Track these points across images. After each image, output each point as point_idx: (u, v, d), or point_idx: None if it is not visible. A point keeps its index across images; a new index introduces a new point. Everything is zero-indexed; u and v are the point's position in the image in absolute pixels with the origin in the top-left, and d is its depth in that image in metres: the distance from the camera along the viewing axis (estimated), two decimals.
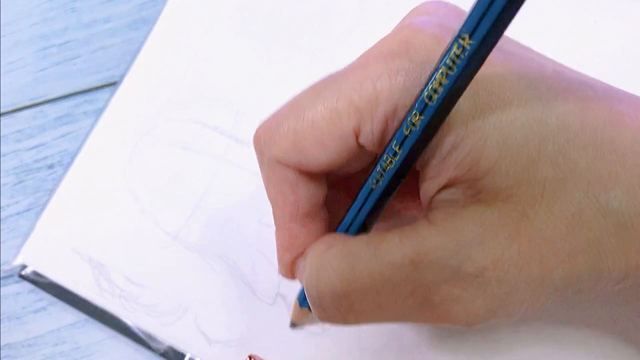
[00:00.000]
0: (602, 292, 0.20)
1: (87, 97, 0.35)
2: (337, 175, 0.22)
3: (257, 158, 0.22)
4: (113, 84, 0.35)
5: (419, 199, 0.20)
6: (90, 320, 0.31)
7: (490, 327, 0.28)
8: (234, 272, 0.30)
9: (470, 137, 0.18)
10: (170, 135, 0.32)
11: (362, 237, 0.20)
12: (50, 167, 0.34)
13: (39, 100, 0.35)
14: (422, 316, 0.19)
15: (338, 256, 0.19)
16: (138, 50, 0.34)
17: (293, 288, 0.29)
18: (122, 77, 0.34)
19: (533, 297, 0.19)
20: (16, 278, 0.32)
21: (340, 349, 0.29)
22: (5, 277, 0.32)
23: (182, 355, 0.29)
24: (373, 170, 0.19)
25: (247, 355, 0.29)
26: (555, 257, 0.18)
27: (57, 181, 0.32)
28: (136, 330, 0.30)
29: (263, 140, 0.21)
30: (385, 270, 0.18)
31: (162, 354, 0.29)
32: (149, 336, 0.30)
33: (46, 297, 0.31)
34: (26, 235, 0.31)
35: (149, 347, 0.30)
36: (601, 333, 0.28)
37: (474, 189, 0.18)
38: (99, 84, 0.35)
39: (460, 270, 0.18)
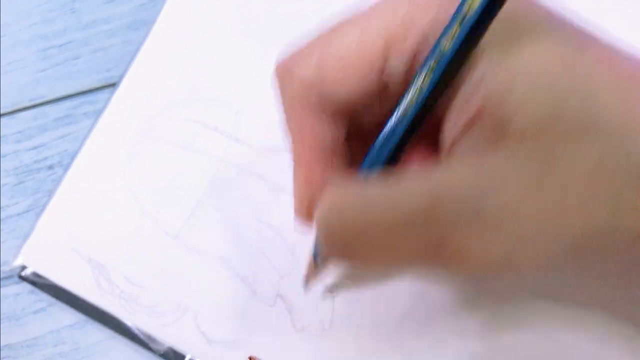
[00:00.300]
0: (613, 255, 0.19)
1: (87, 97, 0.35)
2: (354, 124, 0.21)
3: (278, 89, 0.21)
4: (113, 85, 0.35)
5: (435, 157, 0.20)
6: (90, 321, 0.31)
7: (491, 330, 0.28)
8: (234, 273, 0.30)
9: (501, 70, 0.17)
10: (170, 135, 0.32)
11: (381, 177, 0.19)
12: (50, 167, 0.34)
13: (39, 101, 0.35)
14: (433, 260, 0.18)
15: (353, 192, 0.19)
16: (138, 50, 0.34)
17: (293, 288, 0.29)
18: (121, 77, 0.34)
19: (548, 249, 0.18)
20: (16, 279, 0.31)
21: (340, 349, 0.29)
22: (5, 278, 0.32)
23: (182, 356, 0.29)
24: (400, 100, 0.18)
25: (247, 356, 0.29)
26: (574, 209, 0.17)
27: (57, 182, 0.32)
28: (136, 331, 0.30)
29: (285, 70, 0.20)
30: (401, 207, 0.18)
31: (162, 355, 0.29)
32: (149, 337, 0.29)
33: (46, 298, 0.31)
34: (26, 236, 0.31)
35: (149, 348, 0.29)
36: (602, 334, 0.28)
37: (500, 129, 0.17)
38: (99, 84, 0.35)
39: (479, 211, 0.17)
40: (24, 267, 0.31)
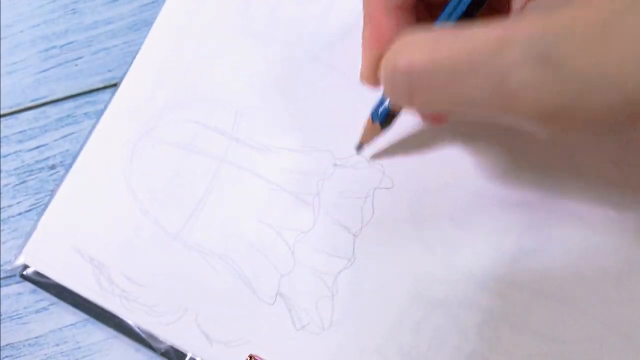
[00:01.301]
0: None
1: (88, 98, 0.35)
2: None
3: None
4: (114, 85, 0.35)
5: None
6: (92, 320, 0.31)
7: (488, 327, 0.28)
8: (234, 272, 0.30)
9: None
10: (170, 135, 0.32)
11: (452, 26, 0.19)
12: (52, 167, 0.34)
13: (40, 102, 0.35)
14: (492, 101, 0.18)
15: (423, 36, 0.19)
16: (139, 51, 0.34)
17: (293, 287, 0.29)
18: (122, 78, 0.34)
19: (604, 102, 0.17)
20: (18, 278, 0.32)
21: (340, 348, 0.29)
22: (6, 277, 0.32)
23: (183, 355, 0.29)
24: None
25: (247, 355, 0.29)
26: (634, 63, 0.17)
27: (59, 182, 0.32)
28: (137, 330, 0.30)
29: None
30: (468, 48, 0.18)
31: (163, 354, 0.29)
32: (150, 336, 0.30)
33: (47, 297, 0.31)
34: (28, 235, 0.32)
35: (150, 347, 0.30)
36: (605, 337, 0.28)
37: None
38: (101, 85, 0.35)
39: (543, 54, 0.17)
40: (25, 267, 0.31)
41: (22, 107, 0.35)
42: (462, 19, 0.20)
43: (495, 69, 0.18)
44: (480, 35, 0.18)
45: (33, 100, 0.35)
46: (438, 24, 0.20)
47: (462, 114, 0.19)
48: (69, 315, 0.31)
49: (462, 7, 0.20)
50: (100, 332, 0.31)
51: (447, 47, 0.18)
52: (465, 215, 0.29)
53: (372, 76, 0.22)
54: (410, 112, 0.22)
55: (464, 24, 0.19)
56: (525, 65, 0.17)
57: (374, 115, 0.25)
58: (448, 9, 0.20)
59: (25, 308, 0.32)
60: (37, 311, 0.32)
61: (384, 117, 0.25)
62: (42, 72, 0.36)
